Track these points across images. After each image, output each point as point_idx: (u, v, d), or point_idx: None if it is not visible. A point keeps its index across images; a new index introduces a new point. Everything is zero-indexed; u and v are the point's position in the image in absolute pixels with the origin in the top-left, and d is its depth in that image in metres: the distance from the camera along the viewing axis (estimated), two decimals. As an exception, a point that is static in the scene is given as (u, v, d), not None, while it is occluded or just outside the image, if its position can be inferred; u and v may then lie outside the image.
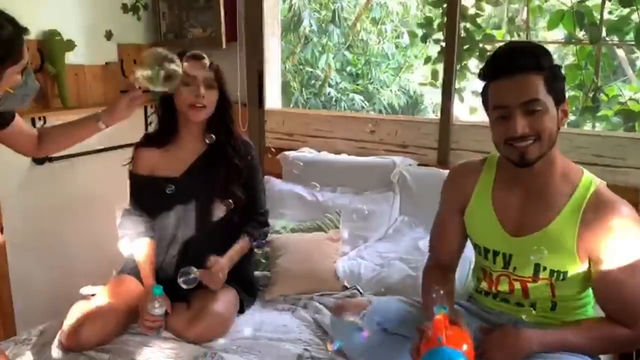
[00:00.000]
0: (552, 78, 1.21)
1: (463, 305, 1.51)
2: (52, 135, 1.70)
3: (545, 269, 1.30)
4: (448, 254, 1.49)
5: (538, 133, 1.20)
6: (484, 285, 1.46)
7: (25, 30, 1.30)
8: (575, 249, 1.26)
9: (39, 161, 2.35)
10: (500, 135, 1.23)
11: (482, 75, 1.28)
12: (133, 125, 2.69)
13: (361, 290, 1.92)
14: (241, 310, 1.81)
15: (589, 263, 1.28)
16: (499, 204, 1.35)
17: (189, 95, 1.73)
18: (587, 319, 1.35)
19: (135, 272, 1.79)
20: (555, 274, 1.30)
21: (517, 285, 1.36)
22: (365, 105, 5.63)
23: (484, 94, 1.29)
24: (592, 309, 1.40)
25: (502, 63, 1.22)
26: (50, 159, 2.38)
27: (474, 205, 1.40)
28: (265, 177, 2.57)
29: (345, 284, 1.96)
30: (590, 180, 1.29)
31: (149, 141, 1.85)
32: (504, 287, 1.39)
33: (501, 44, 2.98)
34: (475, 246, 1.44)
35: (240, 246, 1.82)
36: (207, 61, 1.76)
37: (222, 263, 1.71)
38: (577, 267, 1.28)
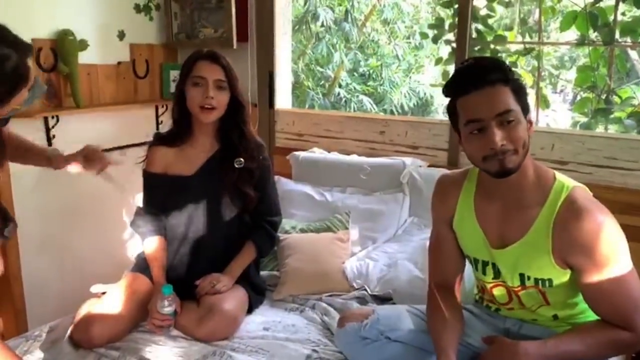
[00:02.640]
0: (518, 89, 1.21)
1: (469, 309, 1.51)
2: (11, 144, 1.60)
3: (529, 278, 1.31)
4: (449, 270, 1.46)
5: (515, 144, 1.19)
6: (486, 296, 1.47)
7: (28, 50, 1.27)
8: (552, 258, 1.25)
9: (51, 160, 2.37)
10: (477, 150, 1.21)
11: (449, 91, 1.27)
12: (144, 125, 2.72)
13: (369, 291, 1.92)
14: (250, 310, 1.81)
15: (572, 270, 1.27)
16: (481, 216, 1.35)
17: (199, 97, 1.74)
18: (585, 323, 1.32)
19: (146, 270, 1.79)
20: (540, 282, 1.30)
21: (513, 295, 1.37)
22: (374, 108, 5.64)
23: (452, 110, 1.27)
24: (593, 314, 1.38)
25: (471, 77, 1.20)
26: (63, 158, 2.40)
27: (459, 217, 1.40)
28: (275, 177, 2.58)
29: (354, 284, 1.96)
30: (562, 186, 1.26)
31: (162, 140, 1.87)
32: (501, 295, 1.40)
33: (512, 44, 3.00)
34: (467, 257, 1.45)
35: (243, 257, 1.85)
36: (223, 61, 1.76)
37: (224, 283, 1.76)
38: (559, 275, 1.27)
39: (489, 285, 1.41)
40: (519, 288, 1.34)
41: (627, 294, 1.23)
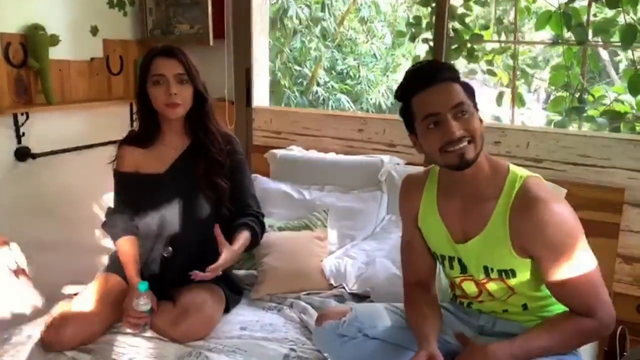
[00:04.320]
0: (468, 88, 1.29)
1: (445, 307, 1.52)
2: None
3: (492, 270, 1.33)
4: (422, 268, 1.49)
5: (471, 133, 1.24)
6: (457, 292, 1.49)
7: None
8: (512, 248, 1.28)
9: (21, 157, 2.31)
10: (436, 142, 1.25)
11: (404, 92, 1.31)
12: (117, 122, 2.67)
13: (348, 289, 1.92)
14: (227, 309, 1.79)
15: (532, 260, 1.29)
16: (444, 212, 1.39)
17: (162, 95, 1.71)
18: (551, 317, 1.34)
19: (120, 270, 1.76)
20: (504, 273, 1.32)
21: (482, 288, 1.39)
22: (352, 106, 5.64)
23: (406, 111, 1.32)
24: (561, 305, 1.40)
25: (426, 76, 1.27)
26: (33, 156, 2.34)
27: (423, 215, 1.44)
28: (253, 175, 2.56)
29: (332, 282, 1.96)
30: (516, 176, 1.30)
31: (132, 140, 1.83)
32: (471, 290, 1.42)
33: (489, 43, 3.03)
34: (434, 254, 1.47)
35: (244, 239, 1.72)
36: (179, 55, 1.72)
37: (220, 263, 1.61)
38: (521, 265, 1.30)
39: (457, 280, 1.44)
40: (485, 280, 1.37)
41: (587, 280, 1.25)
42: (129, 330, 1.63)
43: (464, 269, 1.39)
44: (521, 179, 1.28)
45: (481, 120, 1.29)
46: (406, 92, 1.30)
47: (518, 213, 1.26)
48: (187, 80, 1.73)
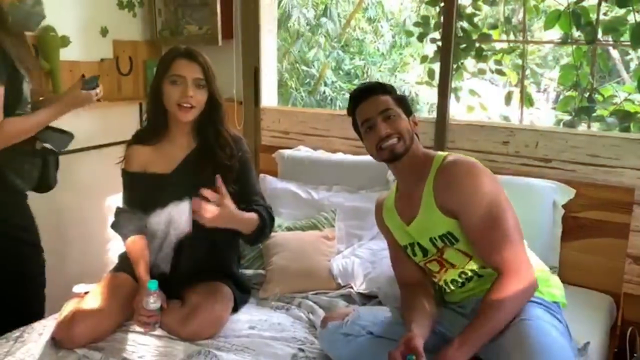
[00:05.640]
0: (398, 98, 1.56)
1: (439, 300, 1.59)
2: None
3: (436, 239, 1.49)
4: (411, 271, 1.60)
5: (398, 131, 1.49)
6: (433, 278, 1.57)
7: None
8: (439, 211, 1.46)
9: (33, 158, 2.33)
10: (372, 142, 1.52)
11: (349, 111, 1.60)
12: (127, 123, 2.69)
13: (355, 289, 1.92)
14: (235, 309, 1.80)
15: (456, 219, 1.44)
16: (399, 207, 1.60)
17: (176, 95, 1.72)
18: (482, 299, 1.37)
19: (129, 269, 1.77)
20: (446, 239, 1.47)
21: (441, 260, 1.51)
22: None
23: (354, 123, 1.60)
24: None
25: (360, 94, 1.58)
26: (45, 156, 2.36)
27: (386, 216, 1.64)
28: (261, 175, 2.57)
29: (340, 282, 1.96)
30: (440, 156, 1.52)
31: (139, 139, 1.85)
32: (435, 267, 1.53)
33: (497, 43, 3.02)
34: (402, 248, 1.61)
35: (249, 215, 1.71)
36: (201, 60, 1.74)
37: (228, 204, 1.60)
38: (454, 226, 1.45)
39: (423, 264, 1.56)
40: (439, 254, 1.50)
41: (502, 233, 1.37)
42: (139, 329, 1.65)
43: (425, 252, 1.53)
44: (443, 156, 1.51)
45: (415, 123, 1.55)
46: (351, 109, 1.59)
47: (438, 178, 1.47)
48: (204, 86, 1.75)
